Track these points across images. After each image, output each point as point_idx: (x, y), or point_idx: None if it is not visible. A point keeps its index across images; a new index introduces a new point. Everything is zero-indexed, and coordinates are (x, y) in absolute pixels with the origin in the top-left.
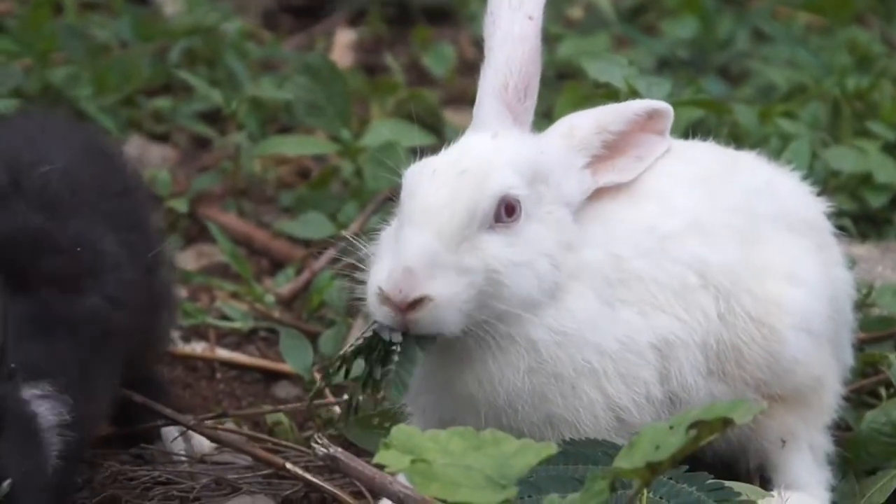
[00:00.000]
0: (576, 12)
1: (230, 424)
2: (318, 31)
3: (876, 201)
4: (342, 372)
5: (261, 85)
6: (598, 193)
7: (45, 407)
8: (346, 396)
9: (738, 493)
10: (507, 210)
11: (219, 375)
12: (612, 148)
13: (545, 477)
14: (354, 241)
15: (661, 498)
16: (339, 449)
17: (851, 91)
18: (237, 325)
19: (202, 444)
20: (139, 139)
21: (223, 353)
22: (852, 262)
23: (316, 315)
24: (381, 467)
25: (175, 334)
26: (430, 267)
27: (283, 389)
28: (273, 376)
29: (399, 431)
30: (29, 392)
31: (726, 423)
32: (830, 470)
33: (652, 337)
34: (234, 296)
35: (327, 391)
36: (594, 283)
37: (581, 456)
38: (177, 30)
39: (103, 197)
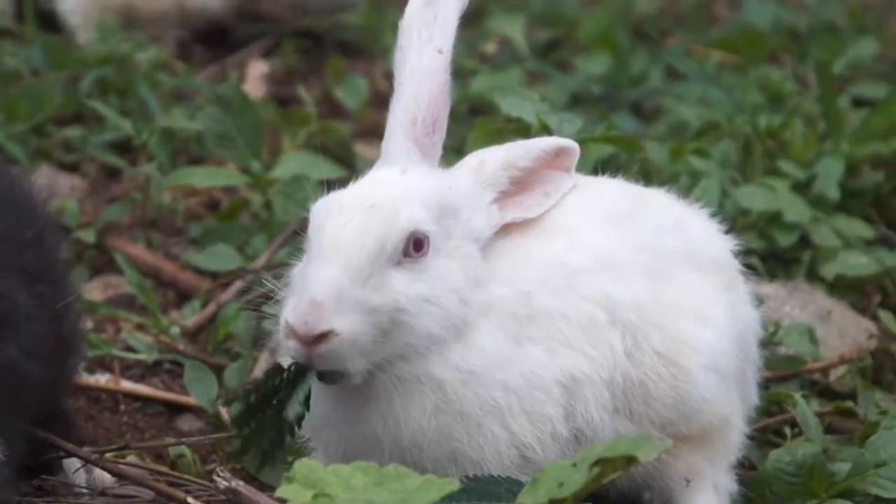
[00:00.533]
0: (489, 47)
1: (133, 457)
2: (232, 62)
3: (785, 240)
4: (244, 403)
5: (172, 115)
6: (508, 229)
7: None
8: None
9: None
10: (415, 245)
11: (122, 407)
12: (519, 184)
13: None
14: (262, 274)
15: None
16: (242, 482)
17: (763, 129)
18: (142, 356)
19: (104, 476)
20: (48, 169)
21: (127, 384)
22: (760, 301)
23: (221, 348)
24: (283, 501)
25: (79, 365)
26: (336, 301)
27: (186, 422)
28: (177, 409)
29: (301, 465)
30: None
31: (630, 460)
32: None
33: (558, 374)
34: (140, 327)
35: (229, 424)
36: (502, 319)
37: (484, 493)
38: (89, 59)
39: (16, 247)
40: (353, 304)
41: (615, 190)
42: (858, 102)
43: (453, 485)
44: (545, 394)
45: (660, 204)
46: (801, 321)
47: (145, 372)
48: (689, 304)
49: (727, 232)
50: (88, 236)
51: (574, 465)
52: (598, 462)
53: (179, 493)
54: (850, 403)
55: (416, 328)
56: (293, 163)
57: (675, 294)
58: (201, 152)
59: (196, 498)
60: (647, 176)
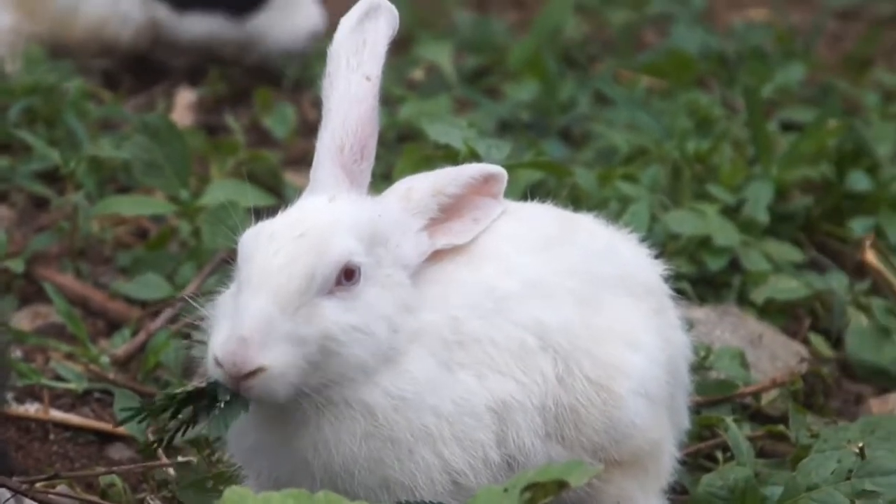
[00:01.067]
0: (418, 74)
1: (63, 486)
2: (159, 91)
3: (715, 264)
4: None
5: (100, 144)
6: (437, 255)
7: None
8: (180, 459)
9: None
10: (346, 274)
11: (52, 437)
12: (448, 211)
13: None
14: (191, 302)
15: None
16: None
17: (691, 154)
18: (71, 385)
19: None
20: None
21: (57, 414)
22: (690, 325)
23: (151, 376)
24: None
25: (8, 395)
26: (265, 335)
27: (117, 451)
28: (107, 438)
29: (232, 493)
30: None
31: (561, 485)
32: None
33: (489, 399)
34: (69, 356)
35: (161, 452)
36: (432, 345)
37: None
38: (16, 88)
39: None
40: (283, 336)
41: (544, 215)
42: (787, 127)
43: None
44: (476, 420)
45: (589, 229)
46: (731, 345)
47: (75, 401)
48: (619, 329)
49: (657, 257)
50: (17, 266)
51: (506, 490)
52: (529, 487)
53: None
54: (781, 427)
55: (347, 357)
56: (221, 191)
57: (605, 319)
58: (129, 181)
59: None
60: (577, 201)
